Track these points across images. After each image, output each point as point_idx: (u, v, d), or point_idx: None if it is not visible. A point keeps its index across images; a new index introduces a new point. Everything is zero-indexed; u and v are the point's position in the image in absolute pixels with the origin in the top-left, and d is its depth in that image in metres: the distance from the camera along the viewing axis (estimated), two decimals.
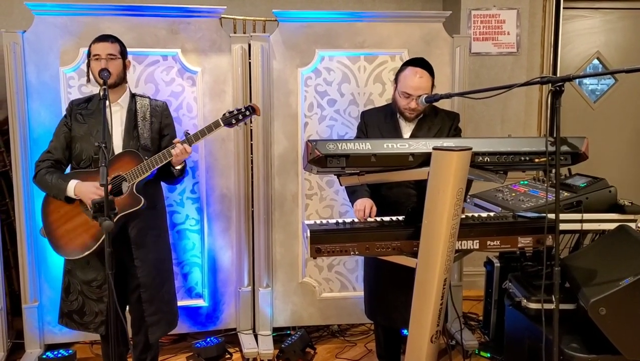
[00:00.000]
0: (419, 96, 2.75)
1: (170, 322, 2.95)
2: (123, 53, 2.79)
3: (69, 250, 2.73)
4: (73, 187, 2.66)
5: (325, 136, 3.59)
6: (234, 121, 2.76)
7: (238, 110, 2.78)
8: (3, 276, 3.38)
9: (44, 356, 3.30)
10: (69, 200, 2.70)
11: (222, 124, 2.74)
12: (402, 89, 2.79)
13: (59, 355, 3.31)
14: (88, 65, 2.76)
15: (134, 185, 2.66)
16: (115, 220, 2.61)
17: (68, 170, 2.84)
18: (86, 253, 2.69)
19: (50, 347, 3.45)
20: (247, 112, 2.78)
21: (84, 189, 2.63)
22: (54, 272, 3.36)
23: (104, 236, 2.62)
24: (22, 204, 3.32)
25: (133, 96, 2.86)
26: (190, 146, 2.70)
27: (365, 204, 2.73)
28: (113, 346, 2.50)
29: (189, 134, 2.72)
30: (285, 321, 3.72)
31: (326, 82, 3.57)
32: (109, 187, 2.61)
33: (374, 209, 2.73)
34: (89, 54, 2.75)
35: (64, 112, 3.27)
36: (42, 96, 3.30)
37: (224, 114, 2.77)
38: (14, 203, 3.39)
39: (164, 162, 2.68)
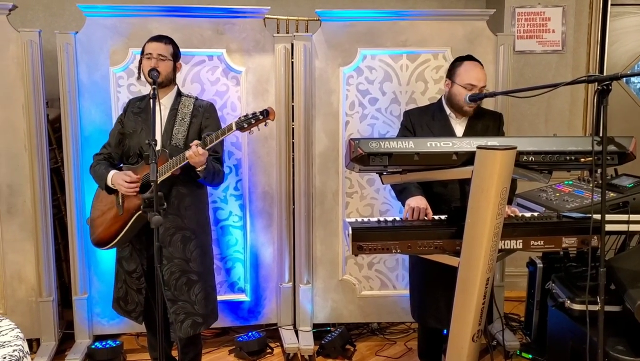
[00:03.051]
0: (481, 88, 2.76)
1: (198, 323, 2.89)
2: (175, 55, 2.84)
3: (98, 240, 2.90)
4: (111, 176, 2.79)
5: (366, 134, 3.61)
6: (246, 125, 2.69)
7: (252, 114, 2.71)
8: (55, 269, 3.50)
9: (93, 347, 3.42)
10: (110, 191, 2.82)
11: (235, 128, 2.69)
12: (466, 81, 2.77)
13: (107, 346, 3.43)
14: (140, 62, 2.84)
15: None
16: (135, 216, 2.74)
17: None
18: (105, 248, 2.86)
19: (98, 338, 3.57)
20: (261, 117, 2.69)
21: (117, 179, 2.75)
22: (102, 265, 3.48)
23: (121, 234, 2.78)
24: (73, 200, 3.43)
25: (180, 96, 2.90)
26: (204, 148, 2.64)
27: (419, 204, 2.67)
28: (160, 339, 2.56)
29: (206, 137, 2.69)
30: (325, 317, 3.76)
31: (368, 81, 3.58)
32: (139, 184, 2.72)
33: (430, 211, 2.67)
34: (142, 52, 2.83)
35: (113, 111, 3.41)
36: (92, 95, 3.41)
37: (239, 118, 2.72)
38: (65, 198, 3.51)
39: (181, 164, 2.67)
